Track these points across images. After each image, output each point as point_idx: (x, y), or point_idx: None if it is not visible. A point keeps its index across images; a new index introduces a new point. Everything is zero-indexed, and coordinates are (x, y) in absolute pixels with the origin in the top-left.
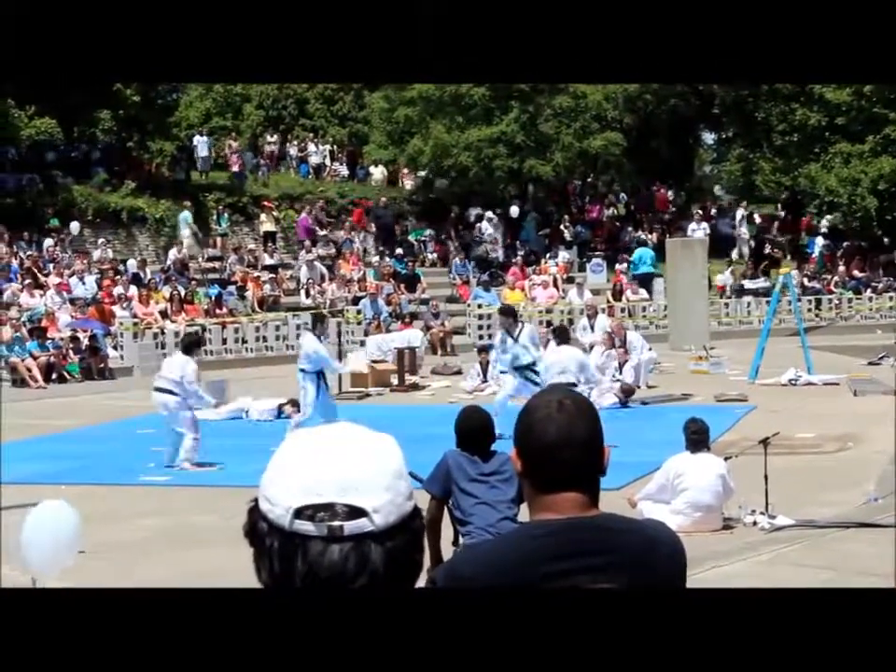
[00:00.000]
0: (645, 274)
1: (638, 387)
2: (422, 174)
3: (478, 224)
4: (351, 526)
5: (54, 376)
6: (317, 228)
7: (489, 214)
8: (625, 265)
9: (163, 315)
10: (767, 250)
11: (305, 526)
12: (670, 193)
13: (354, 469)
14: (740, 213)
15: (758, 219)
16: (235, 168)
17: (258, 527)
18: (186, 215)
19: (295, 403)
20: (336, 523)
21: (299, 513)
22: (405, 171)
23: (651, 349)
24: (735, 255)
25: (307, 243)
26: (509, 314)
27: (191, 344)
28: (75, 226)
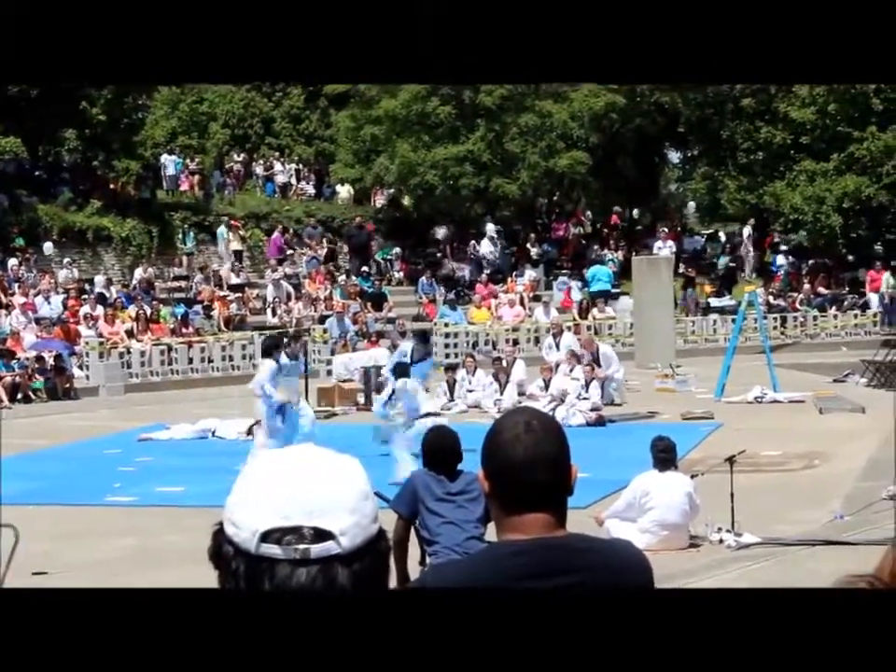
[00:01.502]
0: (599, 292)
1: (619, 404)
2: (391, 192)
3: (472, 241)
4: (318, 549)
5: (19, 396)
6: (286, 247)
7: (490, 231)
8: (579, 283)
9: (129, 334)
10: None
11: (272, 550)
12: (636, 212)
13: (320, 491)
14: (747, 231)
15: (723, 237)
16: (185, 187)
17: (223, 551)
18: (223, 230)
19: None
20: (303, 546)
21: (265, 537)
22: (378, 189)
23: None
24: (747, 274)
25: (273, 262)
26: (422, 341)
27: (269, 347)
28: (48, 246)
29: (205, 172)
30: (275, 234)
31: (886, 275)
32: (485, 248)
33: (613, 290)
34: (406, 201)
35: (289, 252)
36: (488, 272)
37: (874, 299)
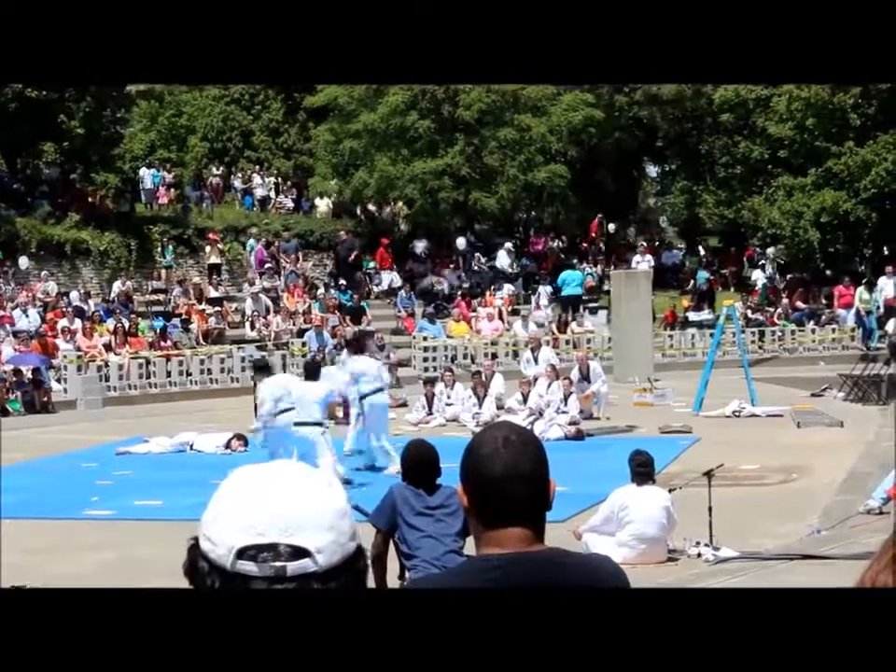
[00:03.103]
0: (570, 297)
1: (598, 418)
2: (373, 206)
3: (476, 254)
4: (294, 567)
5: None
6: (275, 259)
7: (508, 245)
8: (549, 288)
9: (107, 347)
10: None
11: (248, 567)
12: (612, 226)
13: (297, 508)
14: (771, 250)
15: (702, 251)
16: (163, 200)
17: (198, 566)
18: (252, 242)
19: (241, 437)
20: (279, 563)
21: (241, 554)
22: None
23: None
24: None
25: (250, 275)
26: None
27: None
28: (24, 261)
29: (184, 184)
30: (258, 246)
31: (859, 290)
32: (503, 261)
33: (591, 305)
34: (402, 210)
35: (268, 266)
36: (467, 285)
37: (842, 314)
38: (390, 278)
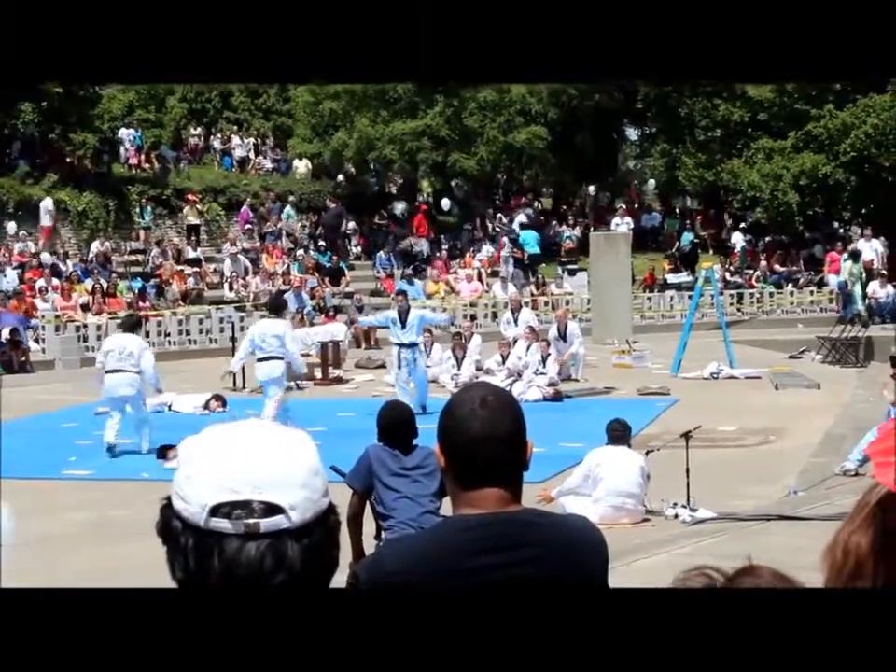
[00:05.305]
0: (531, 256)
1: (577, 380)
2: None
3: (499, 215)
4: (268, 524)
5: None
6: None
7: (528, 210)
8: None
9: (85, 308)
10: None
11: (221, 524)
12: (592, 188)
13: (269, 465)
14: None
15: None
16: (133, 161)
17: (171, 526)
18: (289, 209)
19: (219, 398)
20: (253, 520)
21: (214, 511)
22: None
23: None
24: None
25: (230, 236)
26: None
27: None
28: (11, 226)
29: (163, 144)
30: (243, 208)
31: (848, 263)
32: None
33: (570, 266)
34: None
35: (248, 227)
36: (446, 247)
37: (832, 280)
38: (421, 244)
